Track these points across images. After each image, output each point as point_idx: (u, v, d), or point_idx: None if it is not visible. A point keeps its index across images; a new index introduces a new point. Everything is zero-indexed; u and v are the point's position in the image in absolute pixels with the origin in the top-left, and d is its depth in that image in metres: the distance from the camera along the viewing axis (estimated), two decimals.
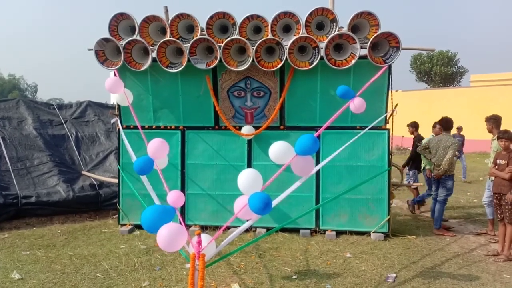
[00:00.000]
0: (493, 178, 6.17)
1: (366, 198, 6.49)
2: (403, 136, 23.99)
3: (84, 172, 8.63)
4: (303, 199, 6.59)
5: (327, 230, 6.50)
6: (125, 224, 6.91)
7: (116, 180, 7.31)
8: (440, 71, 33.65)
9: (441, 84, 33.91)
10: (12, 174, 7.85)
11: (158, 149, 4.64)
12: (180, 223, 3.60)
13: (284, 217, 6.60)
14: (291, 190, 4.49)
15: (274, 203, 4.07)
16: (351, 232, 6.48)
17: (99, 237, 6.48)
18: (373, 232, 6.39)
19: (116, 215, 7.22)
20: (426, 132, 8.71)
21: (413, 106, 26.56)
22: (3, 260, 5.38)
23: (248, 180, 3.84)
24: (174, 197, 3.71)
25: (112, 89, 5.83)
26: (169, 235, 3.38)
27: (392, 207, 7.10)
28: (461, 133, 13.09)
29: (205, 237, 3.52)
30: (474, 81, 31.95)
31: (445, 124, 6.87)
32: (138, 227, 6.79)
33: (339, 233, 6.48)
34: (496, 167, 5.79)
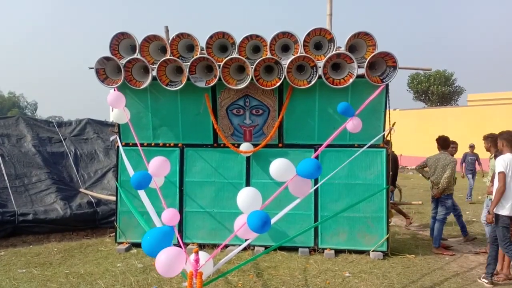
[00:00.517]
0: (492, 196, 6.18)
1: (365, 217, 6.48)
2: (401, 155, 24.04)
3: (82, 190, 8.61)
4: (302, 217, 6.58)
5: (326, 248, 6.46)
6: (122, 242, 6.86)
7: (113, 198, 7.29)
8: (437, 90, 33.93)
9: (438, 103, 34.19)
10: (10, 191, 7.83)
11: (160, 167, 4.65)
12: (178, 242, 3.58)
13: (282, 235, 6.57)
14: (289, 208, 4.49)
15: (273, 221, 4.07)
16: (350, 251, 6.43)
17: (96, 255, 6.42)
18: (372, 251, 6.35)
19: (113, 234, 7.17)
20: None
21: (411, 125, 26.70)
22: None
23: (247, 198, 3.84)
24: (169, 216, 3.70)
25: (114, 104, 5.88)
26: (168, 261, 3.33)
27: (391, 225, 7.07)
28: (474, 151, 12.47)
29: (203, 255, 3.50)
30: (471, 100, 32.22)
31: (442, 142, 6.90)
32: (135, 245, 6.74)
33: (338, 251, 6.44)
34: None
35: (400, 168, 26.18)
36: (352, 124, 5.30)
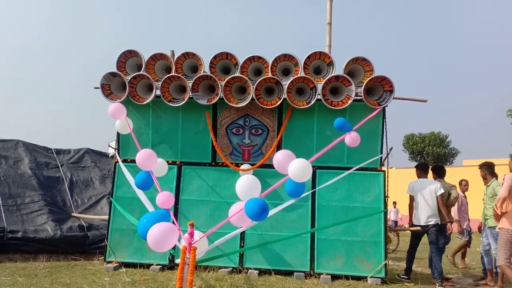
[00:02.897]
0: (490, 224, 6.18)
1: (362, 241, 6.34)
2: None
3: (74, 214, 8.45)
4: (297, 240, 6.41)
5: (322, 273, 6.24)
6: (111, 262, 6.61)
7: (106, 217, 7.14)
8: (432, 151, 34.40)
9: (434, 164, 34.49)
10: (1, 209, 7.68)
11: (145, 160, 4.67)
12: (173, 224, 3.51)
13: (277, 258, 6.39)
14: (287, 205, 4.44)
15: (270, 213, 4.01)
16: (347, 277, 6.20)
17: (83, 272, 6.18)
18: (370, 277, 6.14)
19: (102, 257, 6.94)
20: None
21: (407, 183, 26.69)
22: None
23: (246, 185, 3.82)
24: (162, 199, 3.66)
25: (115, 115, 5.97)
26: (160, 234, 3.27)
27: (389, 264, 6.86)
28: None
29: (197, 234, 3.41)
30: (466, 166, 32.46)
31: (438, 170, 6.97)
32: (125, 265, 6.50)
33: (334, 277, 6.21)
34: None
35: (398, 226, 25.93)
36: (350, 138, 5.37)
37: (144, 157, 4.71)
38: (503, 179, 5.45)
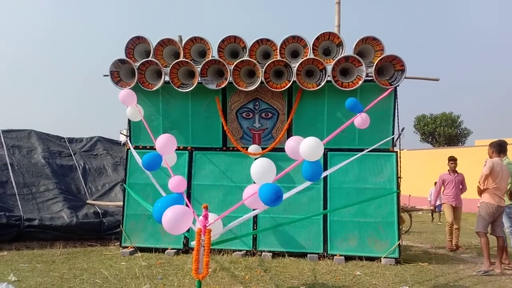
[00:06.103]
0: (506, 202, 6.11)
1: (375, 222, 6.34)
2: (410, 195, 23.66)
3: (89, 201, 8.57)
4: (310, 222, 6.44)
5: (336, 255, 6.27)
6: (127, 247, 6.72)
7: (121, 203, 7.23)
8: (444, 132, 34.05)
9: (445, 145, 34.20)
10: (17, 198, 7.81)
11: (166, 144, 4.68)
12: (187, 206, 3.54)
13: (290, 240, 6.43)
14: (301, 188, 4.44)
15: (284, 197, 4.01)
16: (360, 257, 6.23)
17: (100, 257, 6.29)
18: (384, 257, 6.16)
19: (118, 243, 7.06)
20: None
21: (419, 165, 26.48)
22: (1, 269, 5.21)
23: (261, 168, 3.83)
24: (175, 183, 3.68)
25: (126, 101, 5.99)
26: (174, 217, 3.30)
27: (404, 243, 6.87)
28: None
29: (212, 216, 3.44)
30: (478, 146, 32.09)
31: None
32: (141, 250, 6.60)
33: (348, 258, 6.24)
34: None
35: (409, 207, 25.85)
36: (361, 119, 5.31)
37: (164, 141, 4.72)
38: (485, 162, 5.95)
